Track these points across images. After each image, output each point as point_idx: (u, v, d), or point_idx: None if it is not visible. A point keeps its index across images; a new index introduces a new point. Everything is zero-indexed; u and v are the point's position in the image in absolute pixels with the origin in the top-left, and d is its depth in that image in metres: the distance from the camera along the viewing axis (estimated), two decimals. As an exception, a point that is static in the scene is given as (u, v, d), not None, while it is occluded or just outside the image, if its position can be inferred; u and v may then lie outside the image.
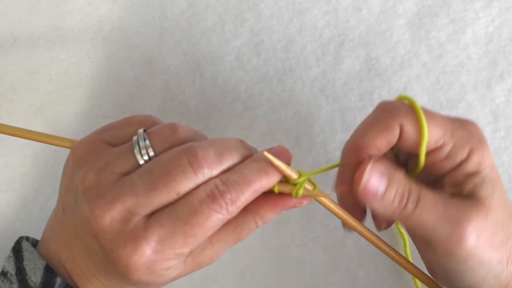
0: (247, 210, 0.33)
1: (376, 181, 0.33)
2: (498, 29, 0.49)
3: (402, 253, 0.39)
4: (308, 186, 0.33)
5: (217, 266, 0.42)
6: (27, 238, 0.38)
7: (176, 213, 0.31)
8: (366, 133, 0.34)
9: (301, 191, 0.33)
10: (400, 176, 0.33)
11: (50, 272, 0.35)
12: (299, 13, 0.50)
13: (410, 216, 0.33)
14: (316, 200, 0.34)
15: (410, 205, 0.33)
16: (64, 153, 0.36)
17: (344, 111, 0.48)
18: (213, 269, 0.45)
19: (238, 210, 0.32)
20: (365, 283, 0.45)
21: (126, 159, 0.33)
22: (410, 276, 0.44)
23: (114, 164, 0.33)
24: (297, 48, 0.49)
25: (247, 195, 0.32)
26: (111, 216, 0.31)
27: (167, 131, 0.34)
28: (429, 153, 0.34)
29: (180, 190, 0.31)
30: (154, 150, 0.33)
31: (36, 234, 0.40)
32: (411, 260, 0.42)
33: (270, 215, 0.34)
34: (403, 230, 0.45)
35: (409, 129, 0.33)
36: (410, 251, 0.44)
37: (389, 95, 0.48)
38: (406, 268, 0.37)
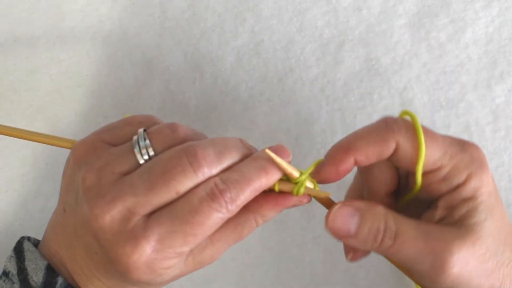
0: (247, 208, 0.33)
1: (344, 221, 0.33)
2: (498, 29, 0.49)
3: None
4: (308, 185, 0.34)
5: (217, 266, 0.42)
6: (29, 238, 0.38)
7: (176, 212, 0.31)
8: (360, 138, 0.34)
9: (302, 189, 0.33)
10: (375, 212, 0.33)
11: (51, 272, 0.35)
12: (299, 13, 0.50)
13: (388, 250, 0.33)
14: (316, 199, 0.35)
15: (387, 241, 0.32)
16: (64, 153, 0.36)
17: (344, 111, 0.48)
18: (213, 269, 0.45)
19: (238, 209, 0.32)
20: (365, 283, 0.45)
21: (126, 158, 0.33)
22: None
23: (114, 164, 0.33)
24: (297, 48, 0.49)
25: (247, 194, 0.32)
26: (111, 215, 0.31)
27: (167, 131, 0.34)
28: (425, 174, 0.33)
29: (180, 189, 0.31)
30: (154, 150, 0.33)
31: (36, 234, 0.40)
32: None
33: (271, 213, 0.34)
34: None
35: (407, 147, 0.33)
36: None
37: (389, 95, 0.48)
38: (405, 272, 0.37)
